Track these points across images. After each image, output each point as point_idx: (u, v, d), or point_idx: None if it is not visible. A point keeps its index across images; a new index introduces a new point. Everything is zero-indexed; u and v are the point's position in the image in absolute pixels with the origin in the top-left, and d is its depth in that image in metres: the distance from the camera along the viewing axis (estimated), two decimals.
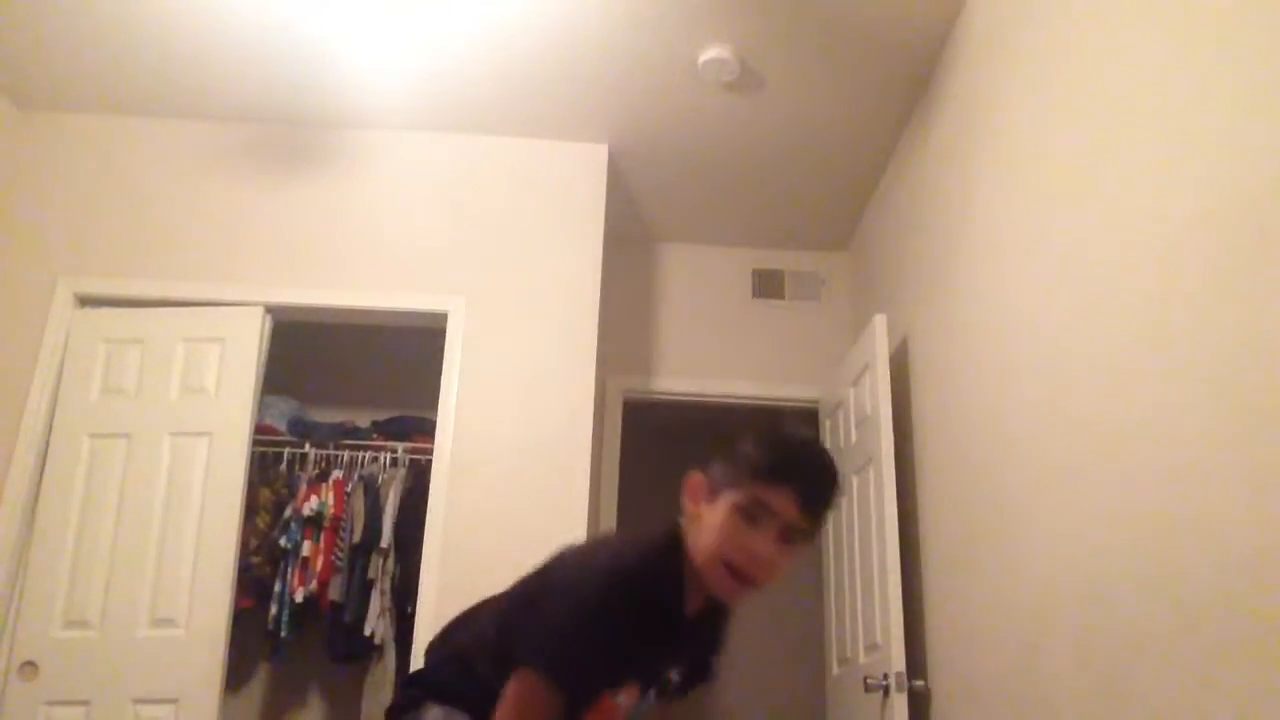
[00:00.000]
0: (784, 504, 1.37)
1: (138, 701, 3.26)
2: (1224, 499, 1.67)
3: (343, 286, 3.77)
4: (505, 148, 3.97)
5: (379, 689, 4.21)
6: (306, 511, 4.23)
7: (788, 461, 1.43)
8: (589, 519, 3.54)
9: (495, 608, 1.52)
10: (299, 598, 4.12)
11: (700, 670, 1.61)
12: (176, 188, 3.86)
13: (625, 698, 1.43)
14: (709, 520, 1.41)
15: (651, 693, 1.51)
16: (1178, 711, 1.77)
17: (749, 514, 1.38)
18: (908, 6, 3.20)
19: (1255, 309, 1.62)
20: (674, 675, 1.55)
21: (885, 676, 3.15)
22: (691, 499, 1.46)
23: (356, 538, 4.24)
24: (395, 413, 4.69)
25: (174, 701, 3.26)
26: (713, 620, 1.57)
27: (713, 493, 1.43)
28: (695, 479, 1.47)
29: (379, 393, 4.88)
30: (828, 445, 4.18)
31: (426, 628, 3.36)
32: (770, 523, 1.37)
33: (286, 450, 4.50)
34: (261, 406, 3.87)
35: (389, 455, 4.50)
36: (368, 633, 4.13)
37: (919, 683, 3.15)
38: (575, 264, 3.84)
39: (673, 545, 1.45)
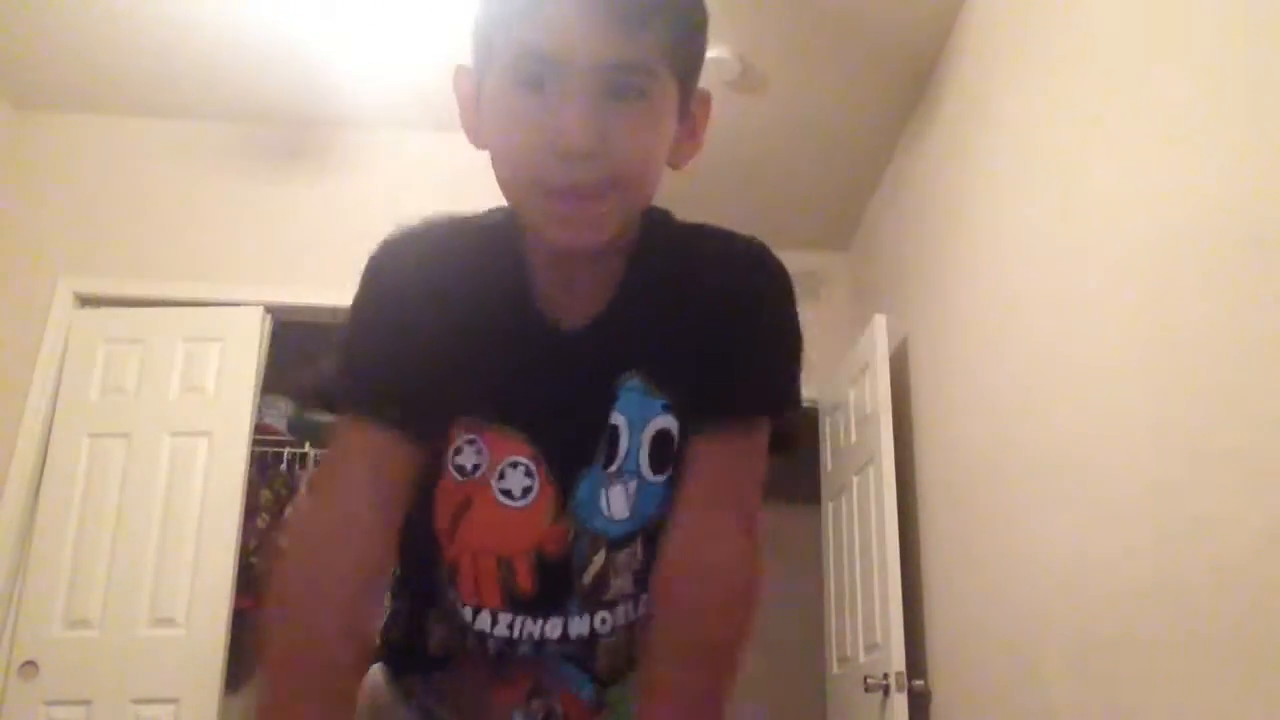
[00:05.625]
0: (552, 20, 0.84)
1: (138, 701, 3.25)
2: (1222, 502, 1.67)
3: (343, 286, 3.74)
4: None
5: None
6: None
7: None
8: None
9: None
10: None
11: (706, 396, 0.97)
12: (176, 188, 3.86)
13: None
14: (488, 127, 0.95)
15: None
16: (1175, 711, 1.77)
17: (519, 76, 0.87)
18: (908, 6, 3.20)
19: (1254, 311, 1.62)
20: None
21: (885, 676, 3.15)
22: (467, 122, 1.00)
23: None
24: None
25: (174, 701, 3.26)
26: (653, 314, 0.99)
27: (480, 90, 0.95)
28: (460, 79, 0.97)
29: None
30: (827, 445, 4.17)
31: None
32: (555, 71, 0.85)
33: (286, 450, 4.49)
34: (261, 406, 3.87)
35: None
36: None
37: (919, 683, 3.15)
38: None
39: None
